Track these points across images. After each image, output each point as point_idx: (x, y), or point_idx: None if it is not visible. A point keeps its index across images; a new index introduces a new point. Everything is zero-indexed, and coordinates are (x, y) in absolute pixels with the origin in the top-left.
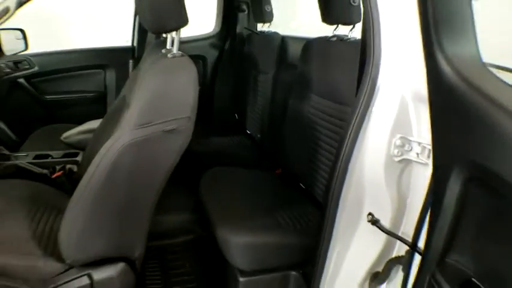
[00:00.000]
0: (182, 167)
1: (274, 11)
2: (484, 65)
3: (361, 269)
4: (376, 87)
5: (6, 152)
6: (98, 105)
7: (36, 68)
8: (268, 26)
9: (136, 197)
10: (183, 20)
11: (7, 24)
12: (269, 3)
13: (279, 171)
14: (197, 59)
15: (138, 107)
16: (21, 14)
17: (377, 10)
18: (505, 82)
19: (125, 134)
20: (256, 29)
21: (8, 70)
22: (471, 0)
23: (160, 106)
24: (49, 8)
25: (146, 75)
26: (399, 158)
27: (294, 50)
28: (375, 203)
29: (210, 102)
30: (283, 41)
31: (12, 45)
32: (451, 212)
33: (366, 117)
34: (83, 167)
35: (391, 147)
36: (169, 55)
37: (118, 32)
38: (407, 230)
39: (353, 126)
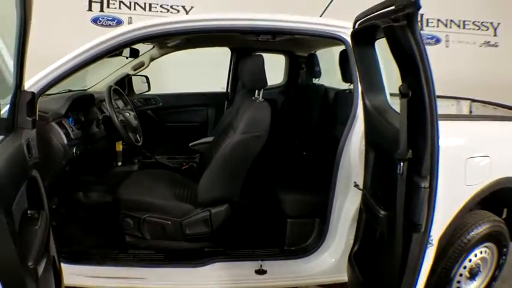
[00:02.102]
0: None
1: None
2: (388, 103)
3: (350, 215)
4: (356, 116)
5: (148, 153)
6: (201, 131)
7: (160, 104)
8: (318, 80)
9: (237, 169)
10: (264, 83)
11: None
12: (318, 65)
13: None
14: (270, 101)
15: (243, 124)
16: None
17: (357, 77)
18: (393, 109)
19: (236, 136)
20: (311, 82)
21: (139, 104)
22: (381, 72)
23: (254, 124)
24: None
25: (247, 110)
26: None
27: (331, 96)
28: (357, 175)
29: (277, 132)
30: (326, 90)
31: (140, 87)
32: (370, 165)
33: (351, 130)
34: (202, 162)
35: (362, 146)
36: (257, 101)
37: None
38: None
39: (344, 135)
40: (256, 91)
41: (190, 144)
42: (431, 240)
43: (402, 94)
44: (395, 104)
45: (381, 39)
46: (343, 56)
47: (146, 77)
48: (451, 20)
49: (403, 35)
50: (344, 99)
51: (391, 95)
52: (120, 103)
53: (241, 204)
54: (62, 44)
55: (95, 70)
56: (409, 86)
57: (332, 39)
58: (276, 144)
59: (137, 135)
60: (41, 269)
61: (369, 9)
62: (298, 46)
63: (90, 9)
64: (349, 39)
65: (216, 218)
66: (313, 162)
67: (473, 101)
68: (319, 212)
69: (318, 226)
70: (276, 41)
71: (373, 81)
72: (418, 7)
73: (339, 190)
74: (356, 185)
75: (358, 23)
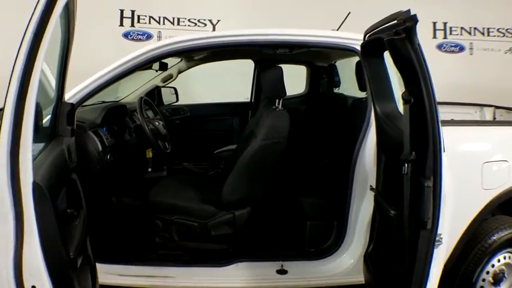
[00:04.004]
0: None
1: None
2: (397, 109)
3: (368, 217)
4: (369, 123)
5: (176, 160)
6: (226, 139)
7: (188, 114)
8: (338, 89)
9: (259, 173)
10: (284, 93)
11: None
12: (338, 75)
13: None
14: (292, 110)
15: (263, 131)
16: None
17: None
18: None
19: (257, 143)
20: (332, 91)
21: (168, 114)
22: (390, 81)
23: (273, 131)
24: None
25: (268, 118)
26: None
27: (350, 104)
28: (372, 179)
29: (299, 140)
30: (345, 98)
31: (168, 98)
32: (381, 167)
33: (365, 136)
34: (227, 167)
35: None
36: (277, 110)
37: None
38: None
39: (359, 140)
40: (277, 100)
41: (216, 151)
42: (441, 238)
43: (405, 100)
44: None
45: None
46: (359, 66)
47: (174, 88)
48: (475, 28)
49: (403, 47)
50: (360, 106)
51: None
52: (150, 113)
53: (263, 206)
54: (97, 58)
55: (127, 82)
56: (411, 93)
57: (346, 51)
58: (298, 151)
59: (166, 143)
60: (79, 261)
61: (376, 23)
62: (318, 57)
63: (121, 24)
64: None
65: (240, 220)
66: (333, 168)
67: (497, 107)
68: (337, 214)
69: (336, 228)
70: (294, 53)
71: (382, 90)
72: (416, 21)
73: (355, 193)
74: (372, 189)
75: (367, 36)
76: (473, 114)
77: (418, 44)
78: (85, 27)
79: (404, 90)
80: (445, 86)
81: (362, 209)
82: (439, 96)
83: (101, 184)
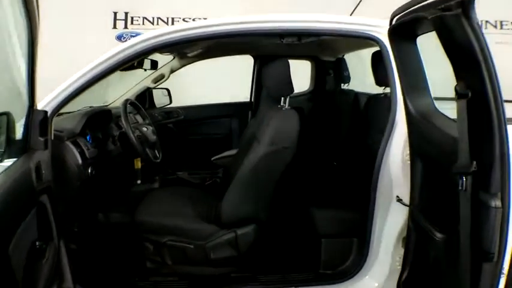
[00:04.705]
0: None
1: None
2: (434, 105)
3: (395, 234)
4: (395, 122)
5: (169, 170)
6: (225, 143)
7: (182, 117)
8: (347, 85)
9: (265, 184)
10: (290, 89)
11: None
12: (347, 70)
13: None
14: (297, 110)
15: (269, 135)
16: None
17: (394, 80)
18: (443, 114)
19: (262, 148)
20: (340, 87)
21: (160, 118)
22: (425, 71)
23: (281, 134)
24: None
25: (273, 119)
26: (409, 161)
27: (363, 102)
28: (399, 188)
29: (306, 141)
30: (356, 96)
31: (160, 100)
32: (419, 180)
33: (390, 139)
34: (226, 177)
35: (403, 156)
36: (283, 109)
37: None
38: None
39: (382, 145)
40: (282, 98)
41: (213, 158)
42: (503, 269)
43: (459, 95)
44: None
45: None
46: (377, 57)
47: (167, 89)
48: (487, 21)
49: (458, 25)
50: (378, 104)
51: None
52: (138, 118)
53: (270, 223)
54: (89, 62)
55: (116, 85)
56: (468, 85)
57: (364, 40)
58: (304, 154)
59: (156, 151)
60: None
61: (408, 3)
62: (325, 50)
63: (114, 26)
64: (383, 38)
65: (243, 239)
66: (346, 173)
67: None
68: (357, 230)
69: (356, 246)
70: (302, 43)
71: (416, 83)
72: None
73: (379, 205)
74: (399, 200)
75: (396, 19)
76: None
77: (478, 22)
78: (78, 31)
79: (456, 82)
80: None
81: (387, 223)
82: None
83: (82, 203)
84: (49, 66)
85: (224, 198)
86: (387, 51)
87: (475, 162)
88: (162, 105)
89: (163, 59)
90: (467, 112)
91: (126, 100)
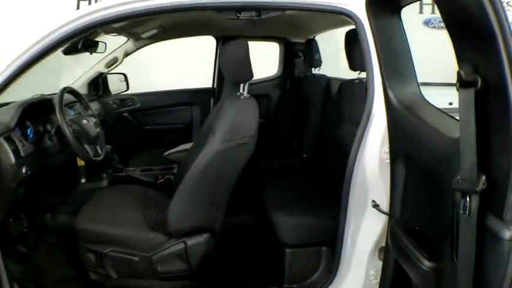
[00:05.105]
0: (250, 178)
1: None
2: (421, 95)
3: (370, 244)
4: (371, 114)
5: (119, 166)
6: (185, 134)
7: (138, 105)
8: (318, 70)
9: (218, 188)
10: (250, 76)
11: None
12: (318, 52)
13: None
14: (263, 97)
15: (223, 129)
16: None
17: (371, 64)
18: (432, 105)
19: (214, 146)
20: (310, 72)
21: (115, 106)
22: (410, 54)
23: (237, 128)
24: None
25: (228, 110)
26: (389, 160)
27: (335, 89)
28: (375, 192)
29: (273, 132)
30: (328, 82)
31: (117, 87)
32: (400, 185)
33: (365, 134)
34: (179, 175)
35: (382, 153)
36: (241, 97)
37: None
38: None
39: (356, 141)
40: (241, 85)
41: (166, 153)
42: None
43: (464, 83)
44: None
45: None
46: (351, 37)
47: (124, 74)
48: None
49: None
50: (352, 91)
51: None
52: (79, 108)
53: (226, 231)
54: None
55: (73, 70)
56: (476, 69)
57: (337, 16)
58: (270, 146)
59: (98, 147)
60: None
61: None
62: (294, 31)
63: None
64: (360, 13)
65: (194, 251)
66: (316, 170)
67: None
68: (327, 238)
69: (326, 256)
70: (267, 22)
71: (399, 66)
72: None
73: (352, 210)
74: (375, 205)
75: None
76: None
77: None
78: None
79: (458, 65)
80: (436, 67)
81: (362, 231)
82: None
83: (25, 204)
84: None
85: (171, 204)
86: (364, 29)
87: (484, 177)
88: (118, 91)
89: (119, 41)
90: (475, 106)
91: (64, 88)
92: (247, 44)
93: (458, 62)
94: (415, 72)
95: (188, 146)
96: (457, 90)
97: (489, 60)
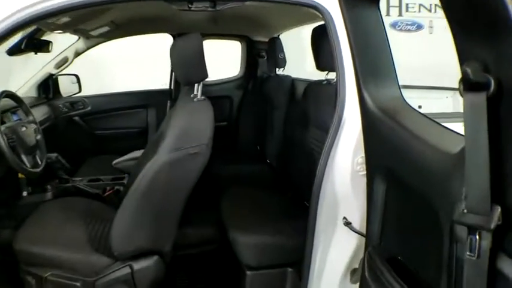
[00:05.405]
0: (208, 188)
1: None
2: (402, 97)
3: (341, 265)
4: (342, 119)
5: (65, 176)
6: (141, 139)
7: (89, 108)
8: (282, 70)
9: (168, 203)
10: (204, 75)
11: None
12: (282, 51)
13: (289, 194)
14: (224, 98)
15: (173, 136)
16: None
17: (342, 63)
18: (417, 111)
19: (162, 156)
20: (274, 73)
21: (65, 110)
22: (390, 51)
23: (188, 136)
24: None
25: (178, 114)
26: (362, 173)
27: (301, 90)
28: (347, 208)
29: (235, 136)
30: (293, 83)
31: (68, 89)
32: (378, 205)
33: (335, 143)
34: (129, 187)
35: (354, 165)
36: (195, 99)
37: (156, 76)
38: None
39: (325, 149)
40: (195, 86)
41: (114, 162)
42: None
43: (473, 85)
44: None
45: None
46: (318, 33)
47: (76, 75)
48: (436, 4)
49: None
50: (319, 93)
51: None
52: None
53: (182, 247)
54: None
55: (23, 72)
56: (487, 69)
57: (302, 7)
58: (231, 151)
59: (37, 157)
60: None
61: None
62: (257, 28)
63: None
64: (330, 6)
65: (141, 276)
66: (280, 176)
67: None
68: (292, 258)
69: (291, 279)
70: (219, 11)
71: (377, 64)
72: None
73: (320, 227)
74: (347, 223)
75: None
76: (443, 99)
77: None
78: None
79: (460, 63)
80: (404, 69)
81: (332, 251)
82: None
83: None
84: None
85: (113, 224)
86: (333, 24)
87: (499, 210)
88: (70, 94)
89: (71, 40)
90: (487, 115)
91: (1, 92)
92: (201, 40)
93: (461, 62)
94: (395, 72)
95: (138, 153)
96: (461, 94)
97: (505, 56)
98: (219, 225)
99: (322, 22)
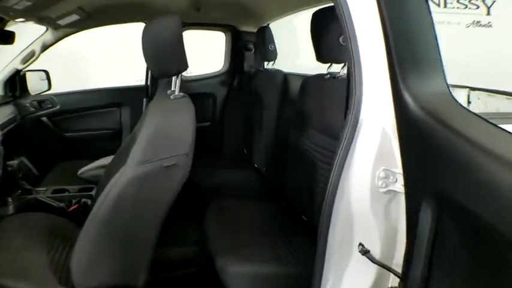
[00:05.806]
0: (189, 200)
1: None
2: (453, 97)
3: None
4: (359, 121)
5: (28, 186)
6: (114, 141)
7: (58, 107)
8: (273, 64)
9: (140, 227)
10: (183, 66)
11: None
12: (273, 42)
13: (283, 203)
14: (207, 96)
15: (141, 145)
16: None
17: (358, 51)
18: (473, 113)
19: (129, 169)
20: (263, 67)
21: (33, 109)
22: (436, 37)
23: (161, 144)
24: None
25: (150, 115)
26: (385, 189)
27: (295, 86)
28: (364, 233)
29: (219, 138)
30: (285, 78)
31: (37, 86)
32: (425, 241)
33: (350, 151)
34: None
35: (375, 179)
36: (171, 96)
37: (132, 71)
38: (399, 261)
39: (338, 159)
40: (173, 79)
41: (79, 172)
42: None
43: None
44: None
45: None
46: (321, 18)
47: (46, 71)
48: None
49: None
50: (321, 89)
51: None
52: None
53: (162, 269)
54: None
55: None
56: None
57: None
58: (215, 155)
59: None
60: None
61: None
62: (244, 17)
63: None
64: None
65: None
66: (270, 184)
67: (473, 89)
68: None
69: None
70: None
71: (420, 52)
72: None
73: (332, 257)
74: (365, 251)
75: None
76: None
77: None
78: None
79: None
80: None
81: (344, 284)
82: None
83: None
84: None
85: (73, 252)
86: (346, 5)
87: None
88: (39, 91)
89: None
90: None
91: None
92: (179, 21)
93: None
94: (442, 63)
95: (107, 160)
96: None
97: None
98: (203, 244)
99: (323, 6)
